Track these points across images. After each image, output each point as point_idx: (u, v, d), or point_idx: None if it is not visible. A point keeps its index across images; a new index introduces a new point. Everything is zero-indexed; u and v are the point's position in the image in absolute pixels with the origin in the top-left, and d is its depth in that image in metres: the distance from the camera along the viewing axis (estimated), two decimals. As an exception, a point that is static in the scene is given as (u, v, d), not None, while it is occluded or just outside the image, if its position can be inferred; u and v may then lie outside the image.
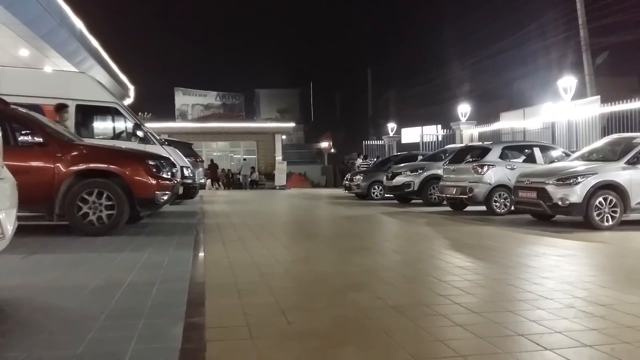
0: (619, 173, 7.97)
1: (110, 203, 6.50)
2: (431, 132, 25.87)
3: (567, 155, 10.71)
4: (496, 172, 10.50)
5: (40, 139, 6.41)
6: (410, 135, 29.40)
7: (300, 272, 4.76)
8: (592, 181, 7.87)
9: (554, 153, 11.31)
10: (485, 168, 10.56)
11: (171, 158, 8.56)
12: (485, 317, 3.14)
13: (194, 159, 15.51)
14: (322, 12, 78.53)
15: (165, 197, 7.08)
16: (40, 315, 3.04)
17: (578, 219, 8.26)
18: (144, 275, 4.20)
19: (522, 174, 9.29)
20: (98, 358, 2.38)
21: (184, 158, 12.44)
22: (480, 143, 14.64)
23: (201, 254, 5.38)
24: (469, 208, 11.74)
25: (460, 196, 10.97)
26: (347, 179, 18.97)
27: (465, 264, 4.94)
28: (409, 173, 14.17)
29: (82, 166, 6.48)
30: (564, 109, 15.88)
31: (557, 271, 4.59)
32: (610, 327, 2.94)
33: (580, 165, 8.43)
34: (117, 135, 10.06)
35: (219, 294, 3.73)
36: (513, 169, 10.42)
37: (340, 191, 22.16)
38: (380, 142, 29.59)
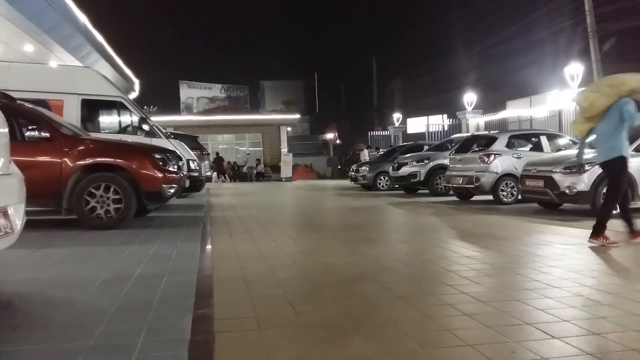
0: (627, 160, 7.88)
1: (117, 197, 6.53)
2: (437, 122, 25.81)
3: (574, 143, 10.63)
4: (503, 161, 10.45)
5: (47, 134, 6.45)
6: (416, 125, 29.35)
7: (307, 263, 4.77)
8: (599, 169, 7.80)
9: (561, 141, 11.23)
10: (492, 157, 10.51)
11: (177, 151, 8.58)
12: (493, 306, 3.14)
13: (200, 152, 15.52)
14: (326, 2, 78.10)
15: (172, 191, 7.11)
16: (50, 309, 3.07)
17: (586, 207, 8.21)
18: (153, 268, 4.23)
19: (529, 163, 9.24)
20: (108, 350, 2.40)
21: (190, 151, 12.46)
22: (487, 132, 14.56)
23: (208, 247, 5.41)
24: (476, 197, 11.70)
25: (467, 186, 10.93)
26: (352, 169, 18.94)
27: (472, 254, 4.93)
28: (415, 163, 14.12)
29: (89, 160, 6.51)
30: (571, 96, 15.75)
31: (565, 260, 4.57)
32: (619, 315, 2.93)
33: (587, 153, 8.35)
34: (123, 129, 10.08)
35: (227, 286, 3.75)
36: (520, 157, 10.37)
37: (346, 182, 22.14)
38: (386, 133, 29.53)
